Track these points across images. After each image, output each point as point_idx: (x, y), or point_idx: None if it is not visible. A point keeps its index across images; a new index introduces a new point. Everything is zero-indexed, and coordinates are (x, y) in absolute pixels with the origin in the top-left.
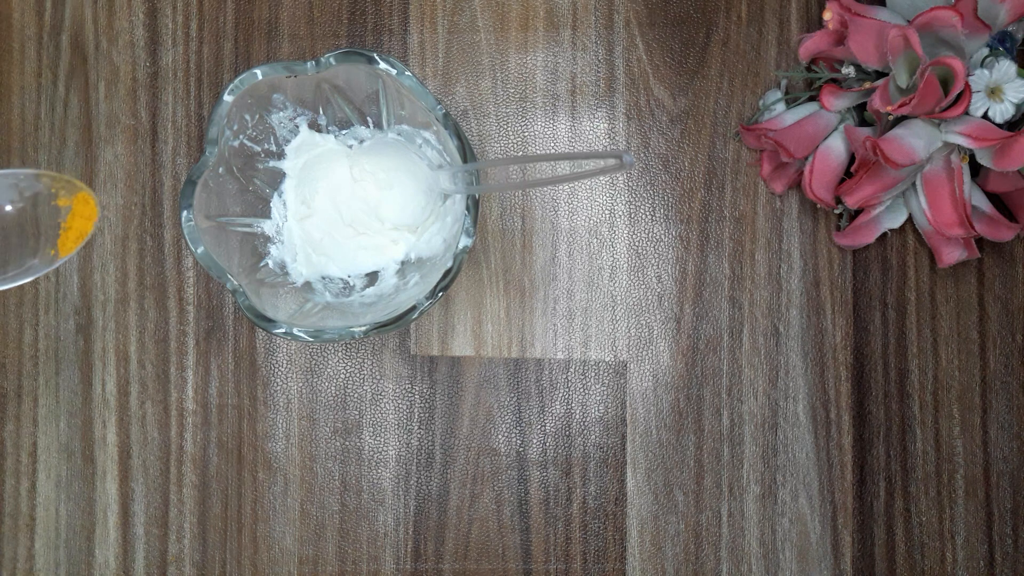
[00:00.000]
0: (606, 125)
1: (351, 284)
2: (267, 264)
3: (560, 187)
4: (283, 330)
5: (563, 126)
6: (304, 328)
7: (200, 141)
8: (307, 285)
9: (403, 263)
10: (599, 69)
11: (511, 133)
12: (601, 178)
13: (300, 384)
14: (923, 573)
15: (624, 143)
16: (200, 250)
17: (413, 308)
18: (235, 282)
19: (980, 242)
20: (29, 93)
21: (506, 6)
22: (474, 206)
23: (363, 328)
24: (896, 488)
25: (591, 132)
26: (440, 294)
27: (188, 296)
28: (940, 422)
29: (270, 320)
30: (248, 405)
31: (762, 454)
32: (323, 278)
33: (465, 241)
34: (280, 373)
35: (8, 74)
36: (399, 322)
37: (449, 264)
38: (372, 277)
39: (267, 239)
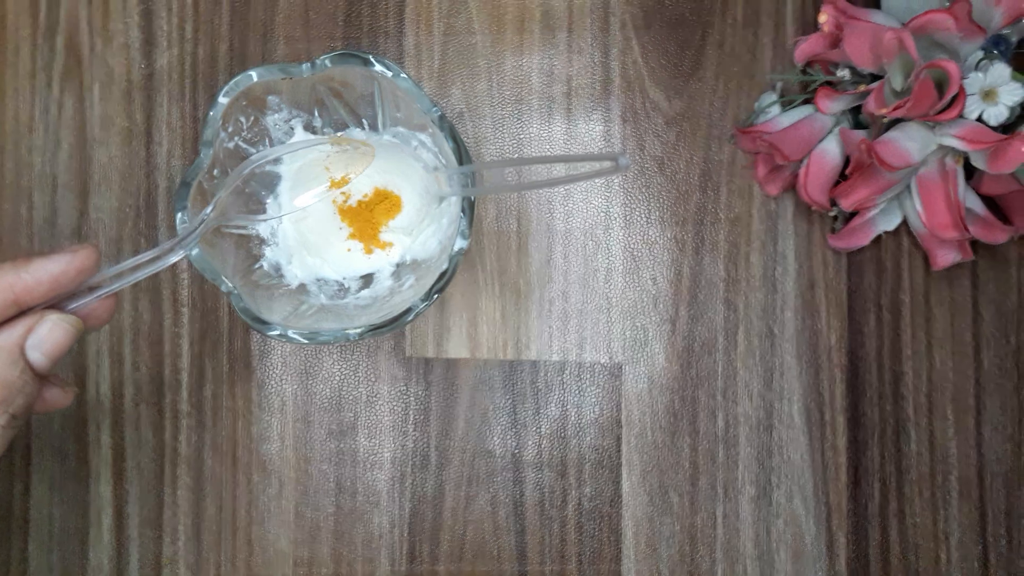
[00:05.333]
0: (602, 127)
1: (346, 286)
2: (262, 266)
3: (556, 189)
4: (278, 332)
5: (559, 128)
6: (299, 330)
7: (195, 143)
8: (302, 287)
9: (398, 265)
10: (595, 71)
11: (507, 135)
12: (597, 180)
13: (295, 386)
14: (917, 574)
15: (620, 145)
16: (195, 252)
17: (408, 310)
18: (230, 284)
19: (974, 244)
20: (23, 95)
21: (502, 9)
22: (470, 208)
23: (358, 330)
24: (890, 489)
25: (587, 134)
26: (435, 296)
27: (183, 298)
28: (934, 424)
29: (265, 322)
30: (243, 407)
31: (757, 455)
32: (318, 280)
33: (461, 243)
34: (275, 375)
35: (2, 76)
36: (394, 324)
37: (444, 266)
38: (367, 279)
39: (262, 241)
